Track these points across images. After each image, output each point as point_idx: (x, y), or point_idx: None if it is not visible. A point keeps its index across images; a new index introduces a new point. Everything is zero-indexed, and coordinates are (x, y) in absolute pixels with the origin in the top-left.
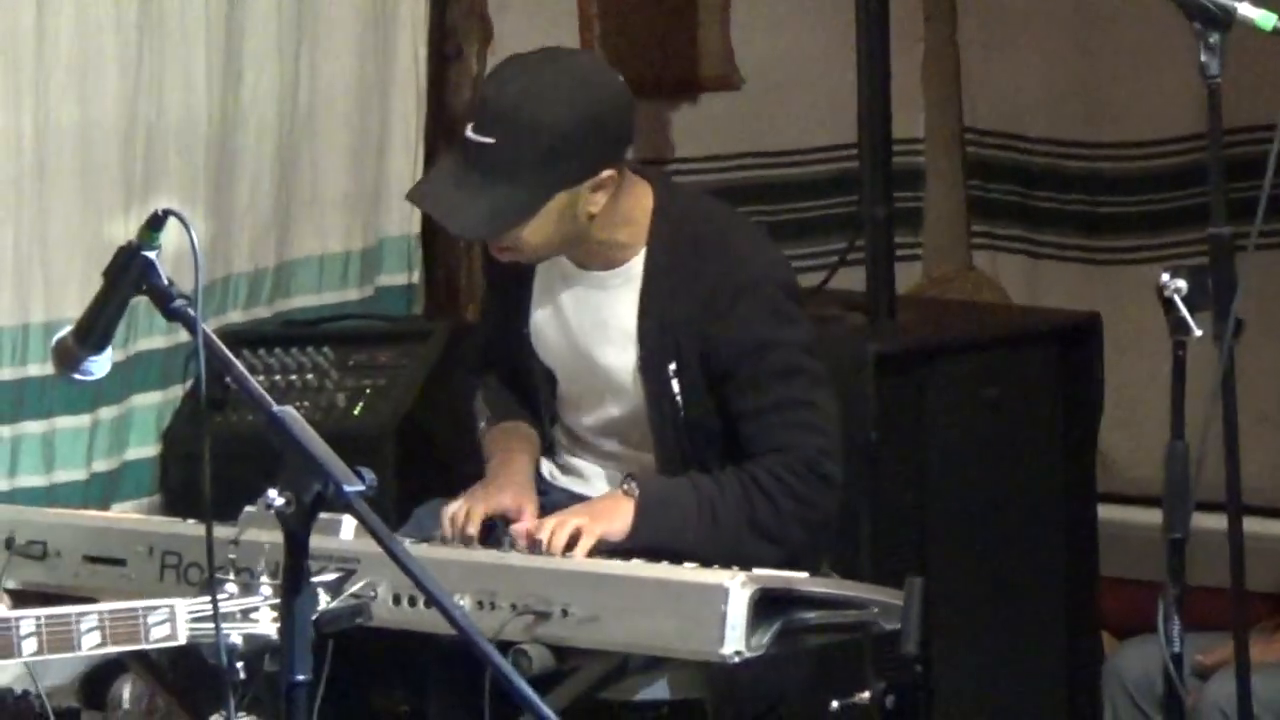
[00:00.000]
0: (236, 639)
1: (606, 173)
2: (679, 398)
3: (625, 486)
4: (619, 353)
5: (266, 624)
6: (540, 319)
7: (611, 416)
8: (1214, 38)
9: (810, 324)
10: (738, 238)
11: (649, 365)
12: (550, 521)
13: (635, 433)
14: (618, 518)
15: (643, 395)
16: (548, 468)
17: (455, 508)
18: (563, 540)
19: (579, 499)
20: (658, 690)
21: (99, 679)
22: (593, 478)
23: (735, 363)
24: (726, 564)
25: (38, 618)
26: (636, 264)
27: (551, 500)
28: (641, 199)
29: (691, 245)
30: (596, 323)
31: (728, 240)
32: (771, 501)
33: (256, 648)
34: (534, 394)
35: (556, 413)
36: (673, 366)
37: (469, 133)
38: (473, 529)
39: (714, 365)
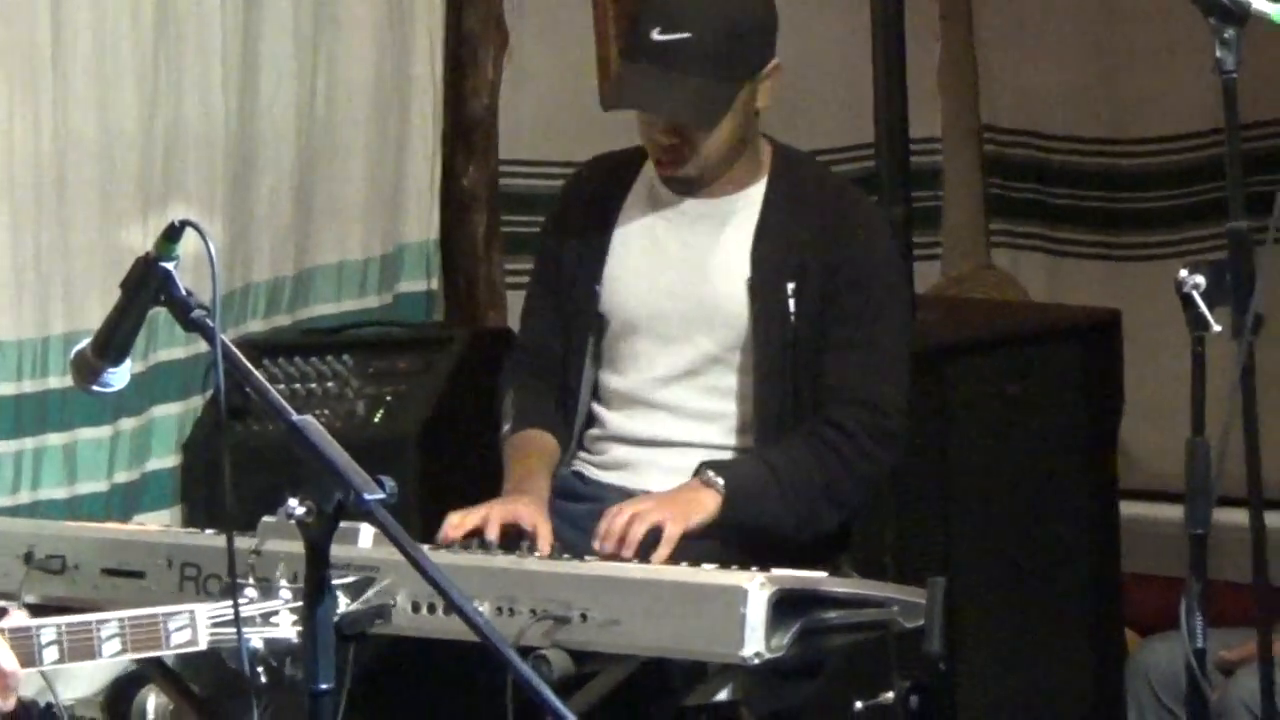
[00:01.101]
0: (257, 643)
1: (773, 62)
2: (793, 317)
3: (703, 476)
4: (728, 278)
5: (287, 627)
6: (625, 263)
7: (701, 353)
8: (1229, 33)
9: (911, 281)
10: (856, 188)
11: (762, 286)
12: (628, 510)
13: (717, 369)
14: (699, 510)
15: (748, 319)
16: (584, 467)
17: (469, 514)
18: (639, 536)
19: (629, 494)
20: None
21: (123, 691)
22: (640, 466)
23: (846, 285)
24: (797, 534)
25: (58, 625)
26: (757, 190)
27: (594, 498)
28: (763, 140)
29: (816, 182)
30: (708, 248)
31: (848, 184)
32: (841, 460)
33: (278, 651)
34: (570, 394)
35: (598, 396)
36: (791, 286)
37: (655, 35)
38: (492, 534)
39: (830, 284)
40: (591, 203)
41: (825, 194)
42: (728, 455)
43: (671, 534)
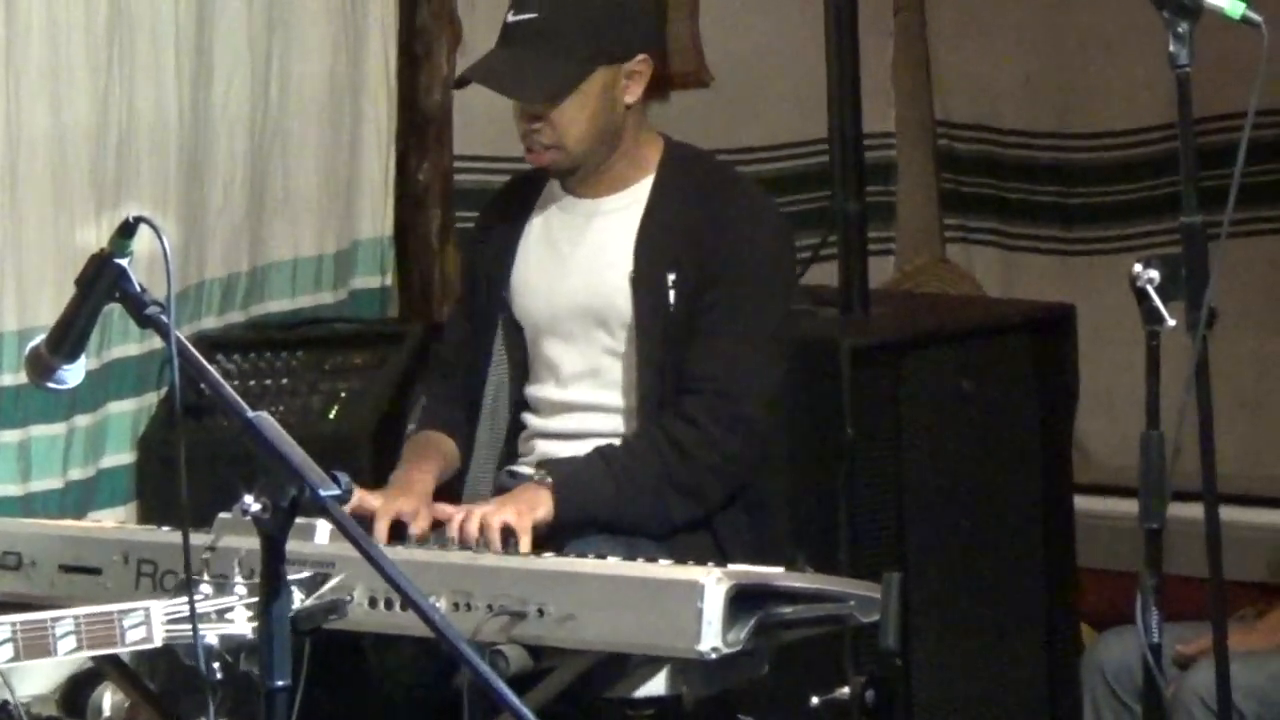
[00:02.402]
0: (213, 639)
1: (641, 57)
2: (672, 308)
3: (536, 476)
4: (614, 273)
5: (242, 624)
6: (527, 270)
7: (599, 349)
8: (1183, 26)
9: (794, 275)
10: (744, 179)
11: (644, 278)
12: (477, 515)
13: (614, 363)
14: (540, 504)
15: (632, 311)
16: (517, 467)
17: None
18: (497, 535)
19: None
20: (655, 686)
21: (79, 688)
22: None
23: (717, 275)
24: (652, 525)
25: (13, 624)
26: (644, 186)
27: None
28: (655, 139)
29: (703, 176)
30: (598, 246)
31: (738, 177)
32: (684, 453)
33: (233, 647)
34: (482, 398)
35: (526, 402)
36: (672, 277)
37: (509, 17)
38: (379, 531)
39: (702, 274)
40: (504, 217)
41: (710, 188)
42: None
43: (522, 525)
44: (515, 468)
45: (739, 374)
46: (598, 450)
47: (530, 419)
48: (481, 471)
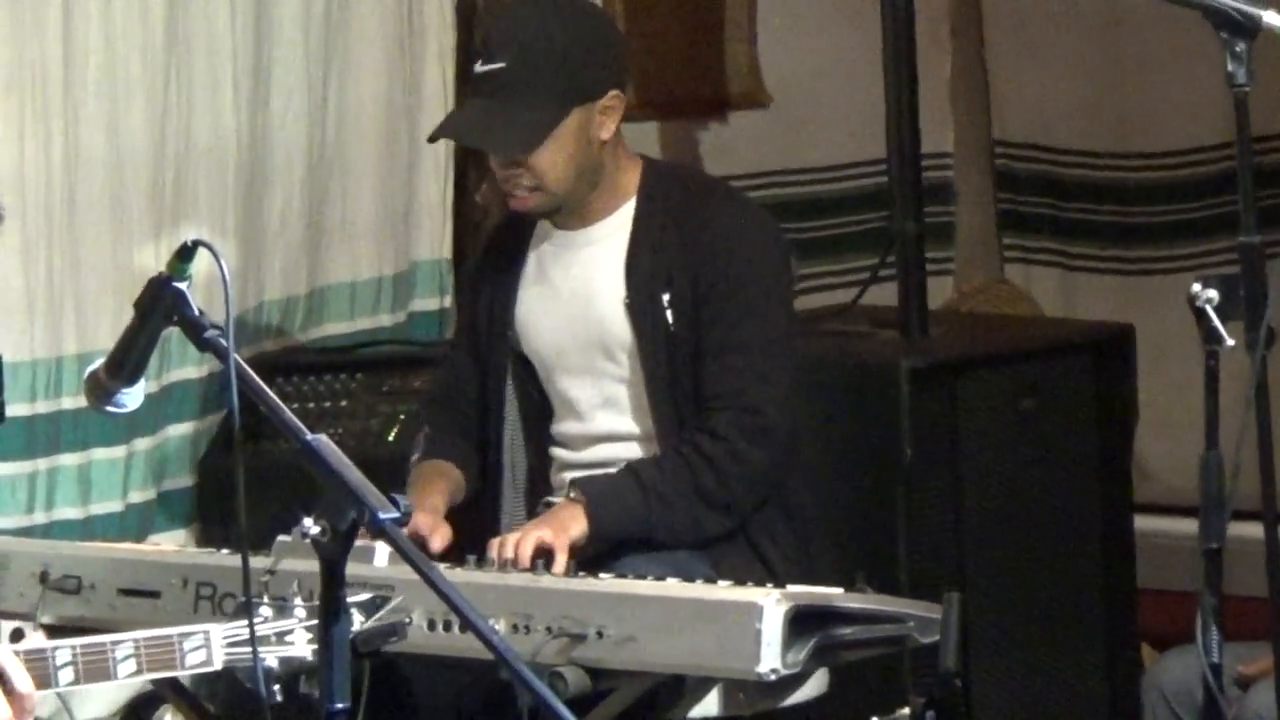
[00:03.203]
0: (272, 662)
1: (613, 92)
2: (672, 327)
3: (571, 494)
4: (609, 302)
5: (302, 646)
6: (528, 310)
7: (607, 377)
8: (1240, 46)
9: (790, 278)
10: (726, 190)
11: (639, 304)
12: (512, 538)
13: (629, 393)
14: (574, 523)
15: (631, 335)
16: (553, 498)
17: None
18: (528, 552)
19: None
20: (713, 707)
21: (139, 711)
22: None
23: (714, 291)
24: (685, 539)
25: (74, 647)
26: (626, 210)
27: None
28: (633, 161)
29: (683, 192)
30: (590, 277)
31: (716, 189)
32: (713, 466)
33: (293, 670)
34: (493, 425)
35: (552, 436)
36: (666, 297)
37: (478, 68)
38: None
39: (698, 292)
40: (499, 257)
41: (691, 202)
42: None
43: (560, 544)
44: (553, 499)
45: (758, 385)
46: (629, 466)
47: (559, 453)
48: (512, 517)
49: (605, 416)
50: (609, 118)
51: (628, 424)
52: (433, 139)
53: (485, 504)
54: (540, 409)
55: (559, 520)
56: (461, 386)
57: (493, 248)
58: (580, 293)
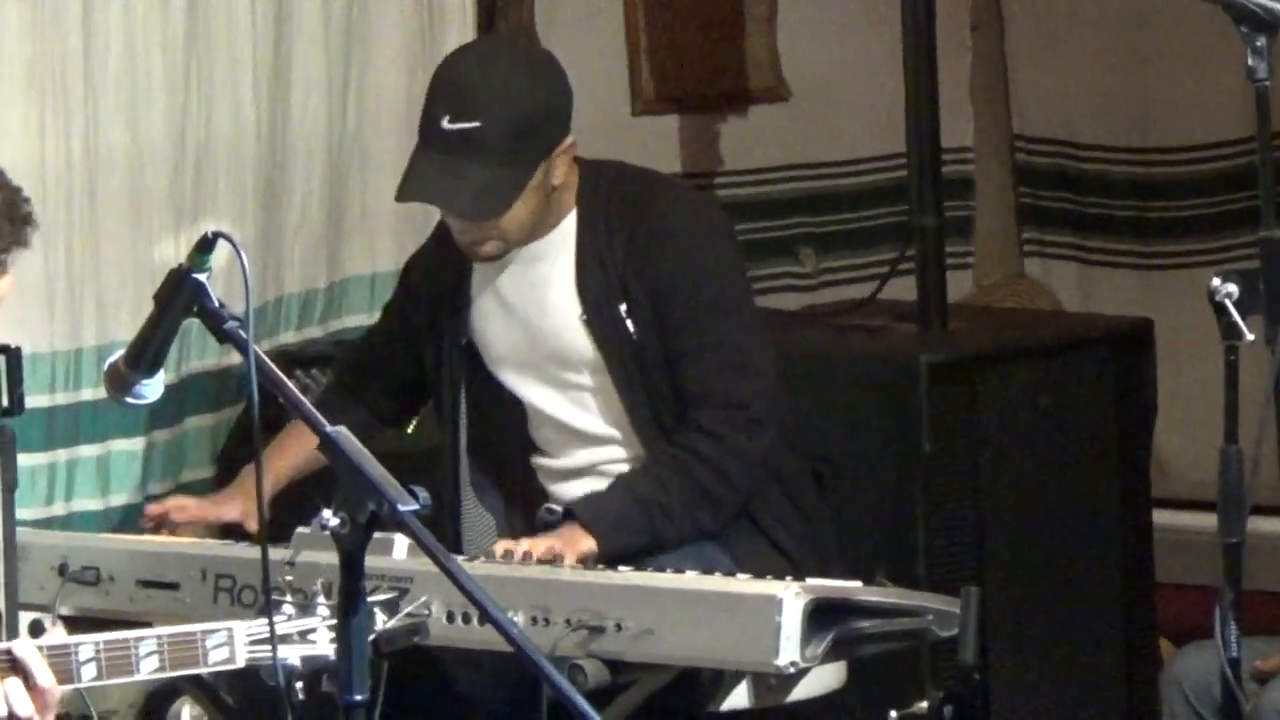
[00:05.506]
0: (295, 660)
1: (568, 140)
2: (634, 335)
3: (575, 517)
4: (564, 317)
5: (324, 644)
6: (486, 328)
7: (573, 385)
8: (1261, 41)
9: (742, 261)
10: (663, 186)
11: (596, 318)
12: (524, 544)
13: (600, 401)
14: (583, 543)
15: (593, 348)
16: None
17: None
18: (538, 555)
19: None
20: (733, 700)
21: (157, 703)
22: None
23: (673, 295)
24: (690, 539)
25: (96, 643)
26: (569, 223)
27: (568, 514)
28: (572, 172)
29: (619, 197)
30: (542, 295)
31: (654, 188)
32: (712, 465)
33: (315, 668)
34: (449, 431)
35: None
36: (623, 307)
37: (445, 124)
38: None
39: (657, 298)
40: (442, 263)
41: (632, 205)
42: (627, 468)
43: (570, 553)
44: (553, 506)
45: (739, 380)
46: (623, 480)
47: (540, 461)
48: (472, 520)
49: (579, 423)
50: (563, 162)
51: (603, 428)
52: (399, 200)
53: (444, 503)
54: (511, 410)
55: (567, 539)
56: (387, 359)
57: (431, 253)
58: (535, 311)
